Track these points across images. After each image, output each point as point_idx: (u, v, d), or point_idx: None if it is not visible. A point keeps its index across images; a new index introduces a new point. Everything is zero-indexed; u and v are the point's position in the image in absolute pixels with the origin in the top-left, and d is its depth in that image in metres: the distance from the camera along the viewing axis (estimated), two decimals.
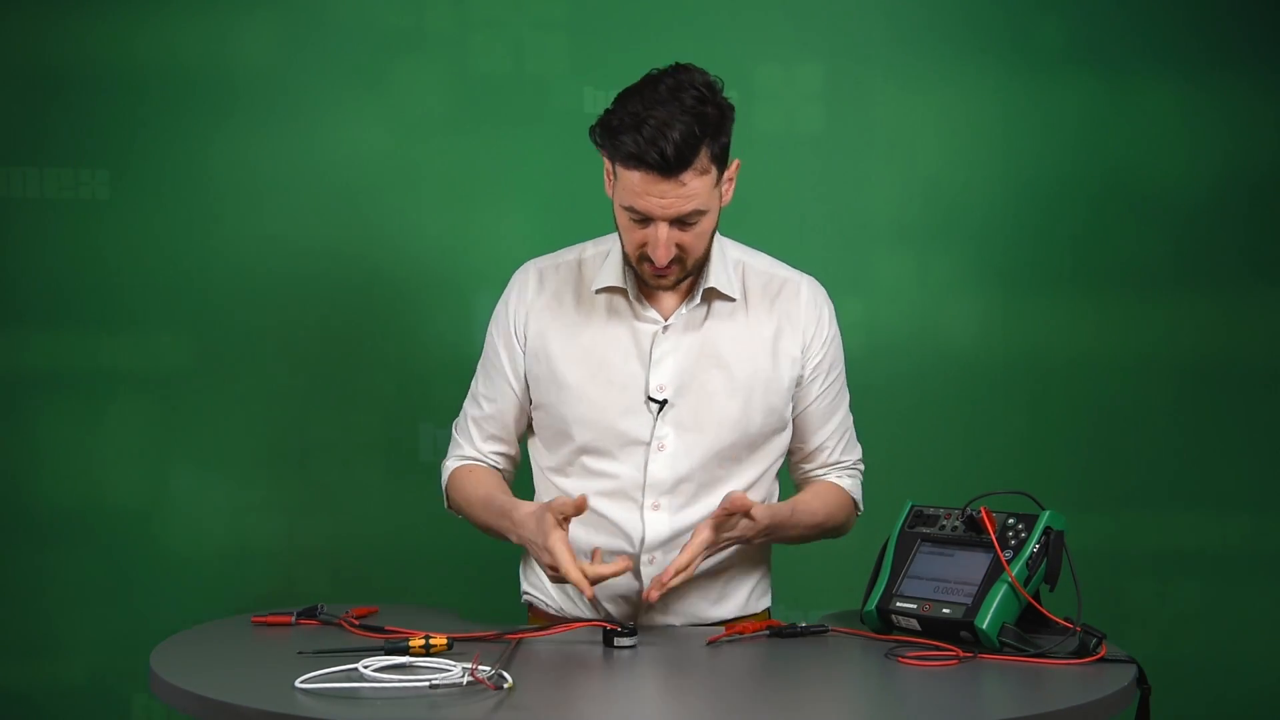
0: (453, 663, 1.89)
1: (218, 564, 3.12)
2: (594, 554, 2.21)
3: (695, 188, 2.12)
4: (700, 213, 2.15)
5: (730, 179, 2.21)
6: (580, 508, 2.14)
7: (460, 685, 1.83)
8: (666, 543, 2.27)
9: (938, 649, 2.06)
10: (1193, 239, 3.25)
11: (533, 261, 2.39)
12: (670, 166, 2.08)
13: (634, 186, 2.12)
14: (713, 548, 2.21)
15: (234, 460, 3.14)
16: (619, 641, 2.10)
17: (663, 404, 2.25)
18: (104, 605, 3.11)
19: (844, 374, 2.40)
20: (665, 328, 2.28)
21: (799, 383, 2.33)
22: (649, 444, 2.26)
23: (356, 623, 2.20)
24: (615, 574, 2.13)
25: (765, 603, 2.40)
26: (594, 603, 2.28)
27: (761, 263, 2.36)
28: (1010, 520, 2.16)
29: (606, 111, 2.14)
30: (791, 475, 2.44)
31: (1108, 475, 3.24)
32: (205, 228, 3.12)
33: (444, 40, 3.15)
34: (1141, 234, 3.25)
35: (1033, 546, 2.10)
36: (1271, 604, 3.27)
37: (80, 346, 3.10)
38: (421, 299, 3.16)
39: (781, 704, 1.86)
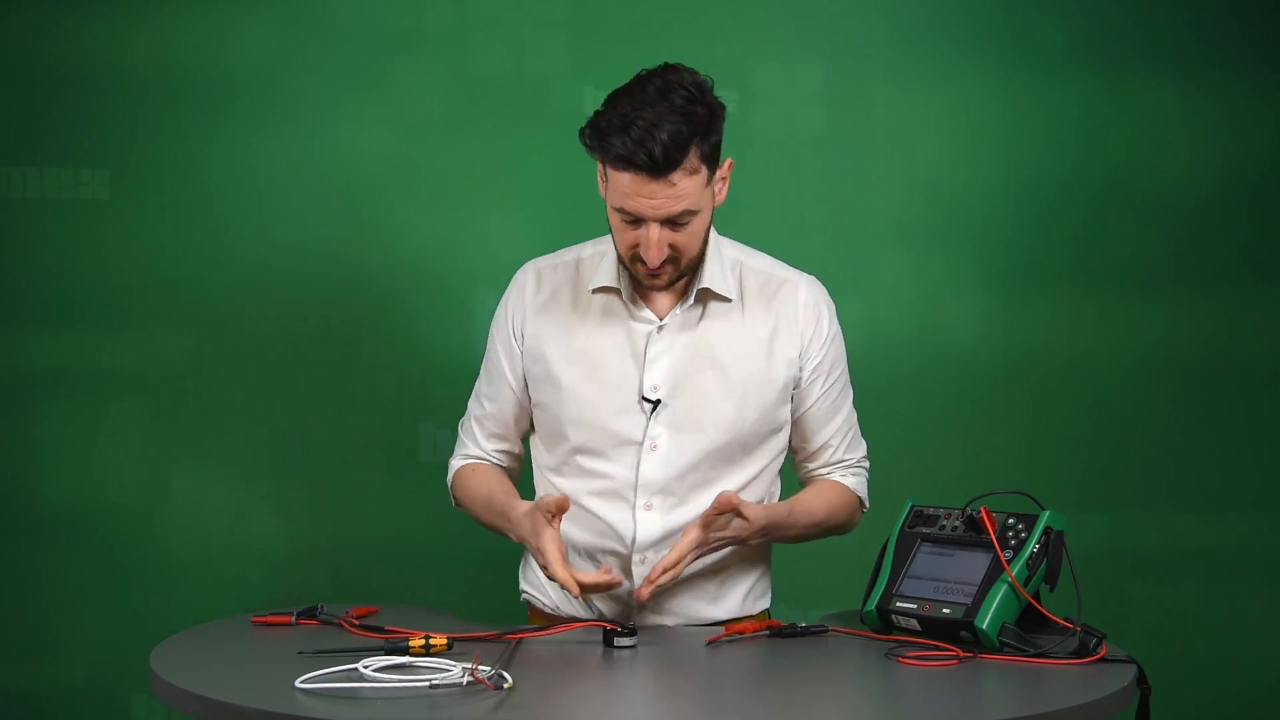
0: (453, 663, 1.90)
1: (218, 564, 3.12)
2: (603, 569, 2.20)
3: (685, 188, 2.12)
4: (691, 213, 2.15)
5: (723, 178, 2.21)
6: (562, 507, 2.15)
7: (460, 685, 1.83)
8: (658, 543, 2.27)
9: (938, 649, 2.06)
10: (1193, 239, 3.25)
11: (532, 262, 2.39)
12: (659, 167, 2.09)
13: (624, 188, 2.12)
14: (703, 547, 2.21)
15: (234, 460, 3.14)
16: (619, 641, 2.11)
17: (656, 404, 2.25)
18: (104, 605, 3.11)
19: (846, 372, 2.39)
20: (660, 328, 2.28)
21: (798, 384, 2.32)
22: (641, 444, 2.26)
23: (356, 623, 2.20)
24: (603, 586, 2.14)
25: (764, 604, 2.39)
26: (585, 602, 2.28)
27: (760, 262, 2.35)
28: (1010, 520, 2.16)
29: (596, 113, 2.14)
30: (796, 474, 2.44)
31: (1108, 475, 3.24)
32: (205, 228, 3.12)
33: (444, 40, 3.15)
34: (1141, 234, 3.25)
35: (1033, 546, 2.10)
36: (1271, 604, 3.27)
37: (80, 346, 3.10)
38: (422, 299, 3.16)
39: (781, 704, 1.86)
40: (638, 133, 2.07)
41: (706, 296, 2.29)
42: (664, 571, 2.17)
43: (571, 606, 2.32)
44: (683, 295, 2.28)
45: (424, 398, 3.14)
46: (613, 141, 2.09)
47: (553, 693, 1.90)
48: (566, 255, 2.37)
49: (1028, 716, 1.80)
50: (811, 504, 2.35)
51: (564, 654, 2.09)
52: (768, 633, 2.20)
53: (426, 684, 1.83)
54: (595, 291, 2.30)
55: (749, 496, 2.30)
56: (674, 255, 2.19)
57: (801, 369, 2.32)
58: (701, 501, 2.26)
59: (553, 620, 2.31)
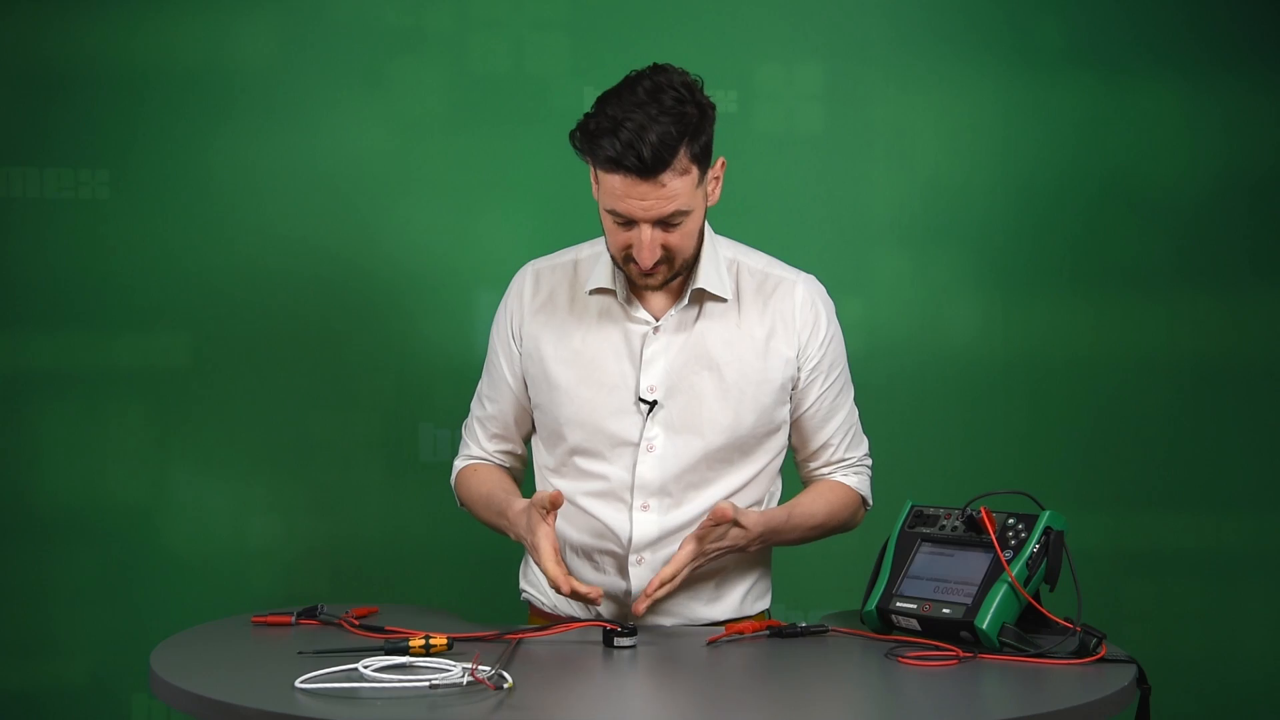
0: (453, 663, 1.90)
1: (218, 564, 3.12)
2: (592, 588, 2.19)
3: (676, 188, 2.12)
4: (683, 213, 2.15)
5: (716, 178, 2.21)
6: (556, 502, 2.15)
7: (460, 685, 1.83)
8: (655, 543, 2.27)
9: (938, 649, 2.06)
10: (1193, 239, 3.25)
11: (531, 263, 2.39)
12: (648, 169, 2.09)
13: (615, 189, 2.12)
14: (700, 559, 2.21)
15: (234, 460, 3.14)
16: (619, 641, 2.10)
17: (653, 405, 2.25)
18: (104, 605, 3.11)
19: (847, 371, 2.39)
20: (656, 328, 2.27)
21: (796, 384, 2.32)
22: (638, 445, 2.26)
23: (356, 623, 2.20)
24: (584, 598, 2.14)
25: (763, 605, 2.39)
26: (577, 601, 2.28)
27: (757, 261, 2.35)
28: (1010, 520, 2.15)
29: (586, 115, 2.14)
30: (799, 473, 2.44)
31: (1108, 475, 3.24)
32: (205, 227, 3.12)
33: (444, 40, 3.15)
34: (1141, 234, 3.25)
35: (1033, 546, 2.10)
36: (1271, 604, 3.27)
37: (80, 346, 3.10)
38: (421, 299, 3.16)
39: (781, 704, 1.86)
40: (627, 135, 2.07)
41: (702, 297, 2.28)
42: (661, 586, 2.17)
43: (571, 607, 2.32)
44: (678, 296, 2.28)
45: (424, 398, 3.14)
46: (602, 144, 2.10)
47: (553, 693, 1.90)
48: (564, 256, 2.37)
49: (1028, 716, 1.80)
50: (812, 506, 2.34)
51: (564, 654, 2.09)
52: (768, 633, 2.20)
53: (426, 684, 1.83)
54: (592, 293, 2.30)
55: (748, 497, 2.30)
56: (667, 256, 2.19)
57: (799, 369, 2.31)
58: (697, 502, 2.26)
59: (553, 620, 2.31)
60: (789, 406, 2.33)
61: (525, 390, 2.36)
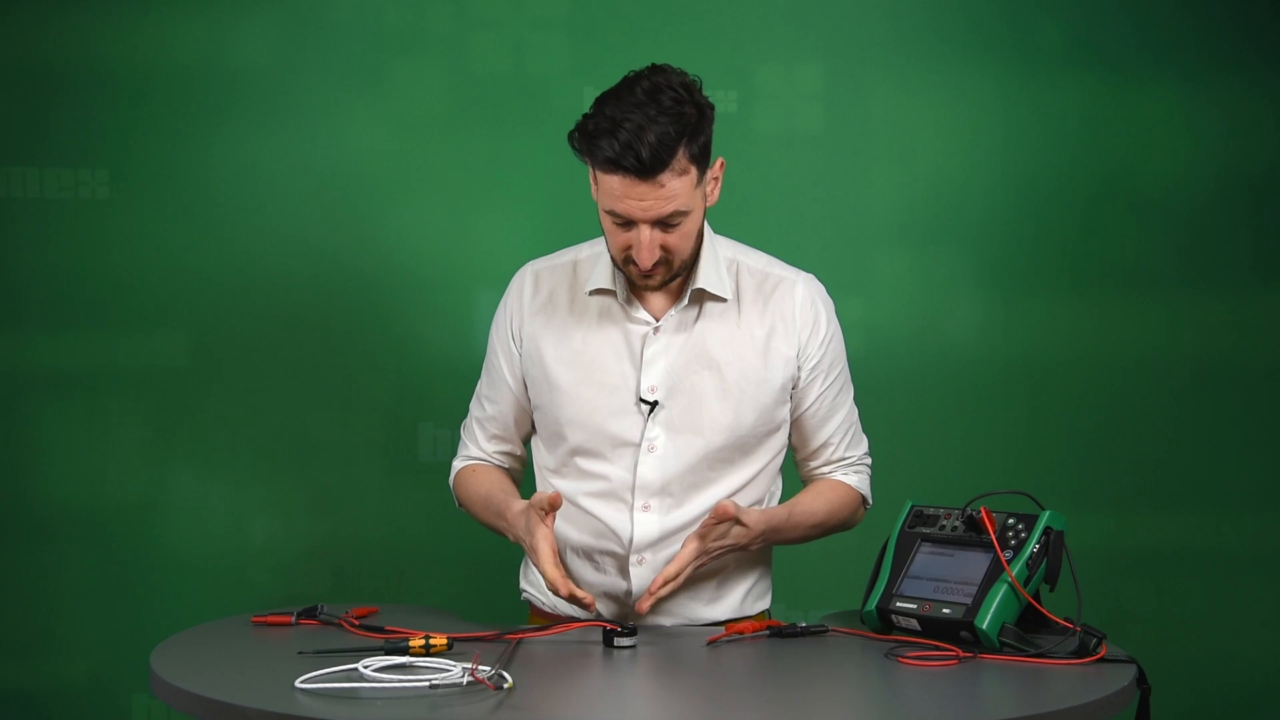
0: (453, 663, 1.90)
1: (218, 564, 3.12)
2: (587, 596, 2.19)
3: (675, 189, 2.12)
4: (682, 213, 2.15)
5: (715, 178, 2.21)
6: (554, 503, 2.15)
7: (460, 685, 1.83)
8: (656, 543, 2.27)
9: (938, 649, 2.06)
10: (1193, 239, 3.25)
11: (531, 263, 2.39)
12: (647, 169, 2.09)
13: (613, 190, 2.12)
14: (703, 557, 2.21)
15: (234, 460, 3.14)
16: (619, 641, 2.10)
17: (653, 405, 2.25)
18: (104, 605, 3.11)
19: (846, 370, 2.39)
20: (656, 329, 2.27)
21: (796, 384, 2.32)
22: (639, 445, 2.26)
23: (356, 623, 2.20)
24: (583, 603, 2.14)
25: (763, 605, 2.39)
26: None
27: (757, 261, 2.35)
28: (1010, 520, 2.15)
29: (584, 116, 2.14)
30: (798, 472, 2.44)
31: (1108, 475, 3.24)
32: (205, 228, 3.12)
33: (444, 40, 3.15)
34: (1141, 234, 3.25)
35: (1033, 546, 2.10)
36: (1271, 604, 3.27)
37: (80, 346, 3.10)
38: (421, 299, 3.16)
39: (781, 704, 1.86)
40: (625, 135, 2.07)
41: (702, 297, 2.28)
42: (664, 584, 2.18)
43: (571, 607, 2.31)
44: (678, 296, 2.28)
45: (424, 398, 3.14)
46: (600, 144, 2.10)
47: (553, 693, 1.90)
48: (564, 256, 2.37)
49: (1028, 716, 1.80)
50: (812, 505, 2.35)
51: (564, 654, 2.09)
52: (768, 633, 2.20)
53: (426, 684, 1.83)
54: (592, 293, 2.30)
55: (748, 496, 2.30)
56: (666, 256, 2.19)
57: (799, 369, 2.31)
58: (699, 502, 2.26)
59: (553, 620, 2.31)
60: (789, 406, 2.33)
61: (525, 391, 2.36)
